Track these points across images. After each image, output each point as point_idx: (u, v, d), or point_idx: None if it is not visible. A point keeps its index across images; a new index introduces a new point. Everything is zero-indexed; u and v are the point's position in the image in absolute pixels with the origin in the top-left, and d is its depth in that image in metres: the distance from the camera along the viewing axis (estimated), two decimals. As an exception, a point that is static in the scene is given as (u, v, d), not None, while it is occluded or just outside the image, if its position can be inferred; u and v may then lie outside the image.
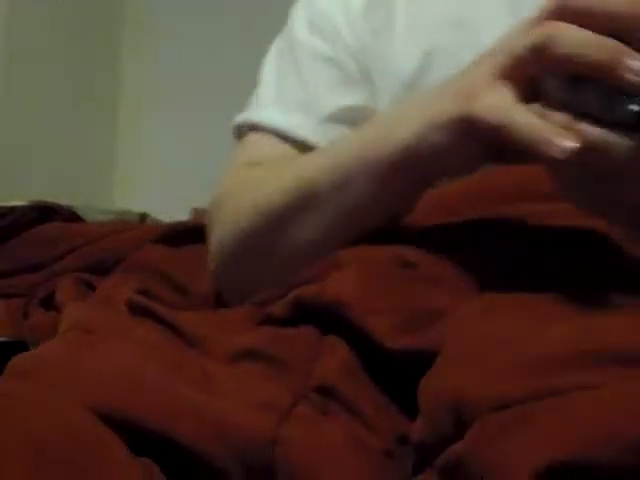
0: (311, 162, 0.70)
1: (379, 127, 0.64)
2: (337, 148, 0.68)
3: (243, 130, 0.86)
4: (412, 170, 0.60)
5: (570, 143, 0.48)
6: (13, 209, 1.38)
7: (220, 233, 0.77)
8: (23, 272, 1.22)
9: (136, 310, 0.60)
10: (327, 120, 0.79)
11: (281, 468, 0.47)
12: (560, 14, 0.51)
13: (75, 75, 2.38)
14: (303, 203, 0.68)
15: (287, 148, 0.80)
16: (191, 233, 1.07)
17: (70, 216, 1.45)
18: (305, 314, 0.57)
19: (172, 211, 1.74)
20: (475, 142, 0.55)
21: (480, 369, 0.46)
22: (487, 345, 0.48)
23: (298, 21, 0.86)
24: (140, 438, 0.47)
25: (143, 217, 1.65)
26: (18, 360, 0.52)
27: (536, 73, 0.53)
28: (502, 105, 0.52)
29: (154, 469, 0.47)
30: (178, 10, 2.56)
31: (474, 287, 0.56)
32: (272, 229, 0.70)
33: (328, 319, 0.55)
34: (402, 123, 0.60)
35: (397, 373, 0.53)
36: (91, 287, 1.04)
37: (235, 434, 0.47)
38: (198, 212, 2.13)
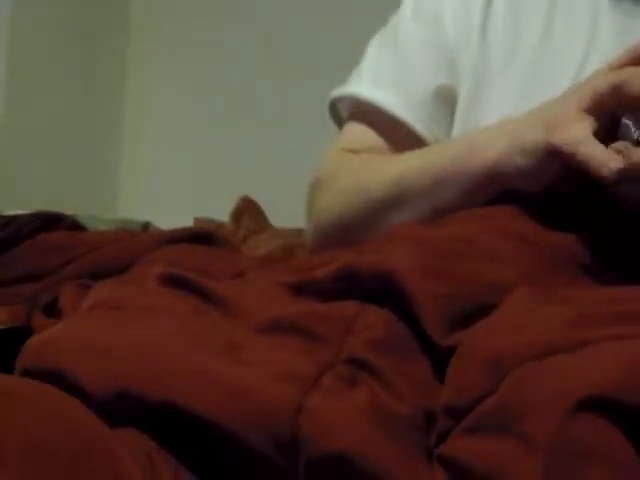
0: (409, 163, 0.81)
1: (472, 143, 0.73)
2: (433, 155, 0.79)
3: (340, 102, 0.95)
4: (495, 185, 0.71)
5: (619, 164, 0.59)
6: (15, 218, 1.37)
7: (319, 211, 0.89)
8: (25, 280, 1.21)
9: (170, 282, 0.61)
10: (419, 99, 0.88)
11: (304, 437, 0.48)
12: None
13: (79, 85, 2.38)
14: (398, 198, 0.80)
15: (381, 123, 0.89)
16: (196, 238, 1.07)
17: (73, 225, 1.45)
18: (351, 285, 0.59)
19: (175, 221, 1.74)
20: (555, 166, 0.66)
21: (519, 330, 0.50)
22: (527, 317, 0.52)
23: (405, 7, 0.94)
24: (164, 414, 0.47)
25: (146, 226, 1.65)
26: (36, 341, 0.53)
27: (616, 109, 0.63)
28: (577, 136, 0.62)
29: (160, 463, 0.46)
30: (184, 16, 2.57)
31: (530, 264, 0.62)
32: (368, 214, 0.82)
33: (377, 291, 0.57)
34: (494, 142, 0.70)
35: (437, 356, 0.55)
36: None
37: (258, 404, 0.48)
38: (200, 222, 2.14)
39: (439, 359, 0.55)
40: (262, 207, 2.04)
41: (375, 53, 0.94)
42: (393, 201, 0.80)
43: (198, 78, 2.49)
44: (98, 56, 2.47)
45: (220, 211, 2.03)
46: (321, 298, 0.59)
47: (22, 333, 0.84)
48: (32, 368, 0.52)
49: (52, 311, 1.04)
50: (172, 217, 1.83)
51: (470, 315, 0.56)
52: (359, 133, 0.91)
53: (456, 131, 0.86)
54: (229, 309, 0.57)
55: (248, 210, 2.02)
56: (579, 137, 0.62)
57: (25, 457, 0.45)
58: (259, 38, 2.41)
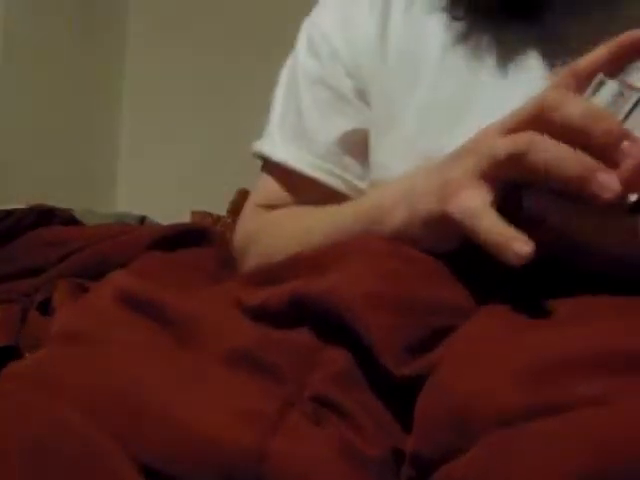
0: (319, 227, 0.75)
1: (381, 207, 0.68)
2: (341, 219, 0.73)
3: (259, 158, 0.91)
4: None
5: (526, 248, 0.52)
6: (11, 212, 1.37)
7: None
8: (21, 276, 1.21)
9: (125, 300, 0.58)
10: (326, 151, 0.83)
11: None
12: (542, 122, 0.54)
13: (76, 78, 2.37)
14: None
15: (292, 181, 0.85)
16: (189, 235, 1.07)
17: (68, 219, 1.45)
18: (304, 313, 0.56)
19: (172, 215, 1.74)
20: (452, 235, 0.60)
21: (485, 378, 0.46)
22: (490, 352, 0.48)
23: (300, 42, 0.88)
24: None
25: (142, 220, 1.65)
26: (14, 367, 0.52)
27: (514, 178, 0.56)
28: (474, 207, 0.56)
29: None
30: (183, 9, 2.56)
31: (475, 287, 0.57)
32: None
33: (330, 321, 0.54)
34: (397, 208, 0.65)
35: (399, 388, 0.52)
36: (87, 292, 1.03)
37: (219, 455, 0.45)
38: (197, 215, 2.14)
39: (401, 388, 0.52)
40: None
41: (280, 104, 0.89)
42: None
43: (197, 73, 2.49)
44: (95, 48, 2.46)
45: (217, 204, 2.03)
46: (278, 324, 0.56)
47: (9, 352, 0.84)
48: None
49: (47, 309, 1.04)
50: (169, 211, 1.83)
51: (427, 340, 0.53)
52: (273, 190, 0.87)
53: (374, 157, 0.81)
54: (188, 334, 0.54)
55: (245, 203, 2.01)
56: (474, 209, 0.55)
57: (26, 458, 0.45)
58: (261, 32, 2.40)
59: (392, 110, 0.79)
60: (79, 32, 2.39)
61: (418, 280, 0.56)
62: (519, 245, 0.52)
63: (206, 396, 0.48)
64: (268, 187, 0.88)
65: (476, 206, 0.55)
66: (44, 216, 1.42)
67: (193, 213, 2.02)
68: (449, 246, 0.61)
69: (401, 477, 0.47)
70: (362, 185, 0.83)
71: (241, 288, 0.61)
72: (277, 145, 0.86)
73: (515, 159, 0.54)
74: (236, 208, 2.00)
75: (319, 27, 0.86)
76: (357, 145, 0.82)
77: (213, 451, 0.45)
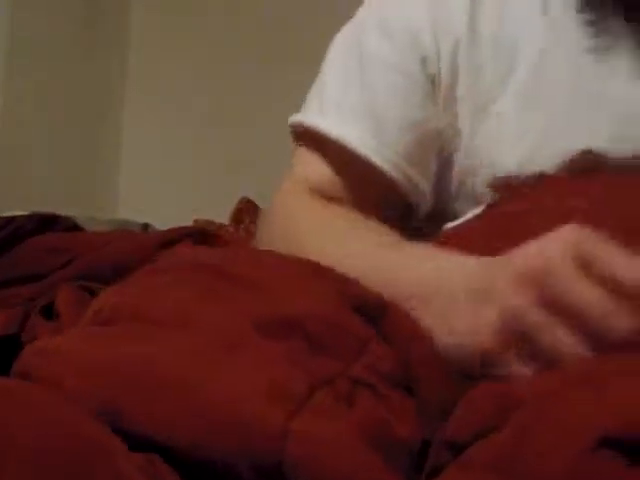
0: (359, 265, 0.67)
1: (439, 279, 0.63)
2: (396, 272, 0.66)
3: (304, 134, 0.85)
4: None
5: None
6: (12, 219, 1.36)
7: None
8: (23, 282, 1.20)
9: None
10: (392, 138, 0.78)
11: (290, 466, 0.44)
12: (537, 283, 0.53)
13: (79, 84, 2.37)
14: None
15: (344, 162, 0.80)
16: (192, 239, 1.05)
17: (70, 226, 1.44)
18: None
19: (175, 223, 1.73)
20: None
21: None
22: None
23: (369, 14, 0.84)
24: (145, 439, 0.45)
25: (145, 227, 1.64)
26: (29, 352, 0.51)
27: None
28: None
29: (160, 470, 0.45)
30: (187, 13, 2.56)
31: None
32: None
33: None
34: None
35: None
36: (92, 293, 1.02)
37: (242, 430, 0.44)
38: (200, 223, 2.13)
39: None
40: (262, 209, 2.03)
41: (340, 79, 0.82)
42: None
43: (201, 80, 2.48)
44: (97, 54, 2.46)
45: (220, 213, 2.02)
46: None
47: (14, 341, 0.82)
48: (28, 377, 0.51)
49: (50, 314, 1.03)
50: (172, 219, 1.82)
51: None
52: (318, 168, 0.81)
53: (459, 163, 0.78)
54: (240, 289, 0.54)
55: (248, 211, 2.00)
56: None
57: (25, 461, 0.44)
58: (263, 36, 2.39)
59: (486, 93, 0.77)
60: (82, 47, 2.39)
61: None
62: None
63: (236, 366, 0.48)
64: (317, 169, 0.82)
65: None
66: (46, 223, 1.41)
67: (195, 221, 2.01)
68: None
69: (425, 468, 0.47)
70: (424, 187, 0.79)
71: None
72: (338, 123, 0.80)
73: (508, 322, 0.53)
74: (239, 216, 1.99)
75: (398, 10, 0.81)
76: (431, 140, 0.79)
77: (237, 428, 0.44)
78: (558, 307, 0.52)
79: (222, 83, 2.46)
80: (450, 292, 0.59)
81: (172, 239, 1.09)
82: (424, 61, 0.78)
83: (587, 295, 0.51)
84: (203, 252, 0.64)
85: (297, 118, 0.85)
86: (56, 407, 0.46)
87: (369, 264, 0.67)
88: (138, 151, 2.58)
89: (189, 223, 2.02)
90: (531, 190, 0.71)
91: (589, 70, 0.75)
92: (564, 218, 0.60)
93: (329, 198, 0.80)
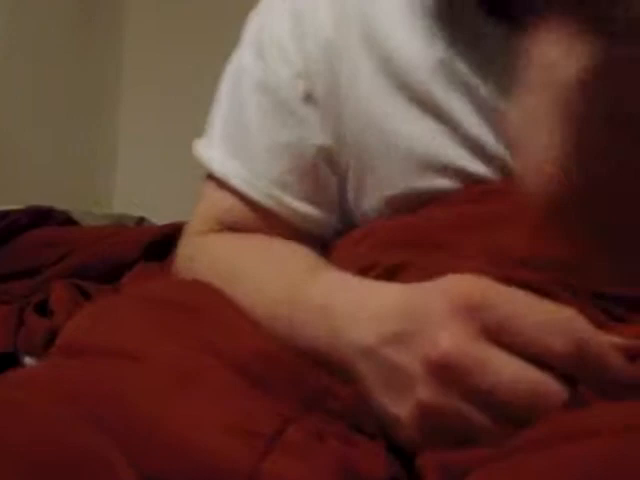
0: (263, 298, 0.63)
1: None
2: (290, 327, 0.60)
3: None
4: None
5: None
6: (7, 214, 1.36)
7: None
8: (17, 277, 1.20)
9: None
10: (263, 167, 0.73)
11: None
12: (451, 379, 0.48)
13: (74, 78, 2.36)
14: None
15: (235, 201, 0.74)
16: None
17: (65, 220, 1.44)
18: None
19: (171, 216, 1.73)
20: None
21: None
22: None
23: (246, 42, 0.78)
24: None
25: (140, 221, 1.64)
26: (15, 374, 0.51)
27: None
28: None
29: None
30: (182, 5, 2.55)
31: None
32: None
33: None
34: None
35: None
36: (84, 293, 1.02)
37: (213, 470, 0.43)
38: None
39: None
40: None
41: (224, 109, 0.78)
42: None
43: (197, 73, 2.47)
44: (93, 48, 2.45)
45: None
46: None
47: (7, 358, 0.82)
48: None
49: (44, 310, 1.03)
50: (168, 213, 1.82)
51: None
52: (221, 200, 0.75)
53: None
54: (203, 328, 0.52)
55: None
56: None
57: (18, 471, 0.44)
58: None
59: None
60: (77, 41, 2.38)
61: None
62: None
63: (205, 406, 0.46)
64: (216, 198, 0.77)
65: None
66: (41, 217, 1.41)
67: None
68: None
69: None
70: (311, 211, 0.73)
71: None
72: (222, 156, 0.76)
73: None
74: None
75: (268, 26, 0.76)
76: (313, 163, 0.72)
77: (206, 469, 0.43)
78: (482, 397, 0.46)
79: (219, 78, 2.45)
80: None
81: (164, 236, 1.09)
82: (298, 76, 0.72)
83: (506, 377, 0.46)
84: (163, 285, 0.62)
85: (197, 150, 0.81)
86: (48, 416, 0.46)
87: (272, 315, 0.61)
88: (134, 145, 2.58)
89: (185, 217, 2.01)
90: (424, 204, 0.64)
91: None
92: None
93: (241, 229, 0.75)
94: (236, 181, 0.73)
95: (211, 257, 0.72)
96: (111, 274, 1.11)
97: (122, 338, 0.53)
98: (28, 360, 0.80)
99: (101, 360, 0.51)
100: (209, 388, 0.48)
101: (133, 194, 2.50)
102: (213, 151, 0.77)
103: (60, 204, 1.52)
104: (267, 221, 0.73)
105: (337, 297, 0.57)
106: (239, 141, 0.75)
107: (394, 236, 0.64)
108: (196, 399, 0.47)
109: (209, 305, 0.58)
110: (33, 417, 0.46)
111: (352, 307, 0.55)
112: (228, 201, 0.75)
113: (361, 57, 0.69)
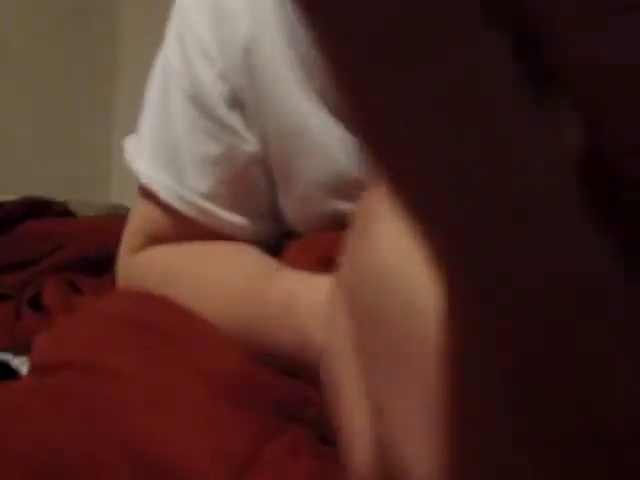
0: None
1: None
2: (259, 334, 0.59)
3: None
4: None
5: None
6: (2, 204, 1.36)
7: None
8: (12, 269, 1.20)
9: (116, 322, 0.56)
10: (193, 181, 0.69)
11: None
12: None
13: (69, 68, 2.35)
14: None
15: (166, 215, 0.71)
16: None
17: (61, 211, 1.43)
18: None
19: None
20: None
21: None
22: None
23: (170, 45, 0.74)
24: None
25: (136, 211, 1.63)
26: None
27: None
28: None
29: None
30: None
31: None
32: None
33: None
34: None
35: None
36: (77, 289, 1.02)
37: None
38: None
39: None
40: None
41: (152, 116, 0.72)
42: None
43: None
44: (88, 40, 2.44)
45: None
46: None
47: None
48: None
49: (38, 304, 1.03)
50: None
51: None
52: (152, 213, 0.71)
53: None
54: (179, 347, 0.51)
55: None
56: None
57: (25, 472, 0.43)
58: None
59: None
60: (72, 30, 2.37)
61: None
62: None
63: (182, 426, 0.46)
64: (147, 212, 0.73)
65: None
66: (37, 208, 1.40)
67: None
68: None
69: None
70: (246, 222, 0.70)
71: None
72: (148, 166, 0.71)
73: None
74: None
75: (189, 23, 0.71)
76: (247, 172, 0.68)
77: None
78: None
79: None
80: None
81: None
82: (220, 77, 0.67)
83: None
84: (126, 301, 0.60)
85: (126, 151, 0.76)
86: (43, 423, 0.45)
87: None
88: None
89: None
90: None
91: None
92: None
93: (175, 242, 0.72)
94: (166, 196, 0.69)
95: (161, 272, 0.68)
96: (106, 265, 1.11)
97: (96, 354, 0.52)
98: (16, 361, 0.79)
99: (78, 376, 0.50)
100: (185, 406, 0.47)
101: (129, 185, 2.49)
102: (142, 161, 0.72)
103: (55, 195, 1.51)
104: (202, 234, 0.69)
105: (299, 295, 0.55)
106: (168, 154, 0.70)
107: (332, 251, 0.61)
108: (172, 418, 0.47)
109: (178, 322, 0.56)
110: (33, 421, 0.45)
111: (315, 305, 0.53)
112: (160, 215, 0.71)
113: (279, 49, 0.65)
